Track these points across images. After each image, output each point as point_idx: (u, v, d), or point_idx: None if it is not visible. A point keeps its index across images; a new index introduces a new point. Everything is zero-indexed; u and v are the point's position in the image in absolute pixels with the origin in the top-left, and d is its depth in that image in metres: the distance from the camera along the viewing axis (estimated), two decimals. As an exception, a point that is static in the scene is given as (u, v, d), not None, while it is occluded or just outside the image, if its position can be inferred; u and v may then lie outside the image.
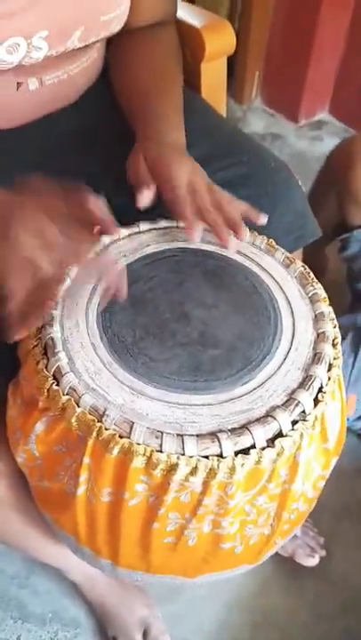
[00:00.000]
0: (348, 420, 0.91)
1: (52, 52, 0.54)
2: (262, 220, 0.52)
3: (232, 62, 1.58)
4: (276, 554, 0.81)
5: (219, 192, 0.51)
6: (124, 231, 0.53)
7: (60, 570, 0.77)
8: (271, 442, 0.41)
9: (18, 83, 0.57)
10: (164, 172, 0.51)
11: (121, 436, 0.40)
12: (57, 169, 0.61)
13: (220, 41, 0.72)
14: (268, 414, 0.42)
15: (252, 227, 0.55)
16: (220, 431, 0.40)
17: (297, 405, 0.42)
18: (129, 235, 0.53)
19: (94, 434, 0.41)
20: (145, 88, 0.62)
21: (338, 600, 0.82)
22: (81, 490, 0.45)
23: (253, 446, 0.41)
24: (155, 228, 0.54)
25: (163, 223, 0.54)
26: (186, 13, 0.73)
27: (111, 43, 0.69)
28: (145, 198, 0.51)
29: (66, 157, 0.63)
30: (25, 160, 0.62)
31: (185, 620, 0.80)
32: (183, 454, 0.40)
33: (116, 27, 0.59)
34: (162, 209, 0.55)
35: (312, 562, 0.83)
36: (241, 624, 0.80)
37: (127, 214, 0.54)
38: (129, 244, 0.52)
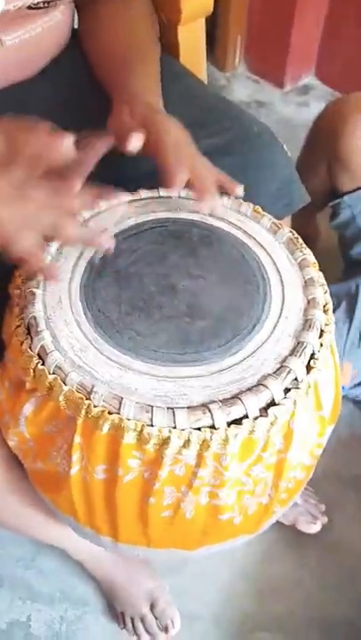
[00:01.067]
0: (343, 388, 0.91)
1: (10, 5, 0.52)
2: (238, 191, 0.50)
3: (213, 28, 1.54)
4: (278, 522, 0.81)
5: (199, 156, 0.50)
6: (104, 204, 0.51)
7: (64, 550, 0.78)
8: (264, 411, 0.41)
9: None
10: (150, 123, 0.49)
11: (110, 413, 0.39)
12: None
13: (196, 1, 0.69)
14: (260, 383, 0.41)
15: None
16: (212, 402, 0.40)
17: (289, 373, 0.41)
18: (110, 207, 0.52)
19: (83, 412, 0.40)
20: (119, 55, 0.59)
21: (342, 567, 0.83)
22: (75, 469, 0.45)
23: (246, 416, 0.40)
24: (136, 199, 0.52)
25: (144, 194, 0.53)
26: (159, -27, 0.70)
27: (81, 11, 0.67)
28: (134, 141, 0.48)
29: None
30: None
31: (190, 591, 0.81)
32: (175, 427, 0.39)
33: None
34: (142, 181, 0.53)
35: (314, 529, 0.84)
36: (246, 594, 0.82)
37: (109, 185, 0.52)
38: (110, 217, 0.51)
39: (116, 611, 0.79)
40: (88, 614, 0.81)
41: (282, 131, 0.65)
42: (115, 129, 0.51)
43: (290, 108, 1.51)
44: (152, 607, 0.78)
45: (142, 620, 0.77)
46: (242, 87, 1.56)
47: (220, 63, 1.56)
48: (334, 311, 0.87)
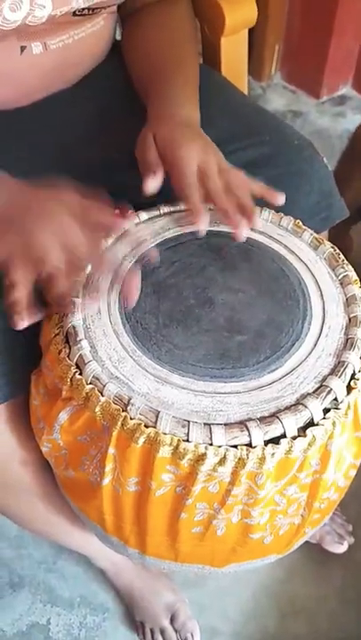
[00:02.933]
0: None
1: (57, 11, 0.53)
2: (280, 200, 0.49)
3: (250, 37, 1.53)
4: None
5: (232, 174, 0.49)
6: (144, 215, 0.51)
7: (86, 556, 0.78)
8: (302, 430, 0.40)
9: (21, 47, 0.56)
10: (173, 154, 0.49)
11: (147, 426, 0.39)
12: (72, 150, 0.60)
13: (240, 13, 0.68)
14: (299, 402, 0.40)
15: (277, 207, 0.53)
16: (250, 420, 0.39)
17: (329, 393, 0.41)
18: (149, 218, 0.52)
19: (119, 423, 0.40)
20: (158, 64, 0.60)
21: (367, 587, 0.81)
22: (107, 480, 0.44)
23: (284, 435, 0.39)
24: (175, 211, 0.52)
25: (183, 205, 0.52)
26: (204, -15, 0.70)
27: (125, 22, 0.67)
28: (150, 186, 0.49)
29: (79, 139, 0.62)
30: (37, 142, 0.60)
31: (211, 607, 0.80)
32: (211, 444, 0.38)
33: None
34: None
35: (340, 549, 0.82)
36: (268, 611, 0.80)
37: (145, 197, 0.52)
38: (149, 228, 0.51)
39: (135, 620, 0.79)
40: (107, 621, 0.80)
41: (317, 141, 0.64)
42: (138, 159, 0.52)
43: (325, 118, 1.49)
44: (172, 620, 0.77)
45: (162, 633, 0.77)
46: (277, 97, 1.55)
47: (256, 72, 1.56)
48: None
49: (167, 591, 0.78)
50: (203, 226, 0.48)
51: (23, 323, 0.41)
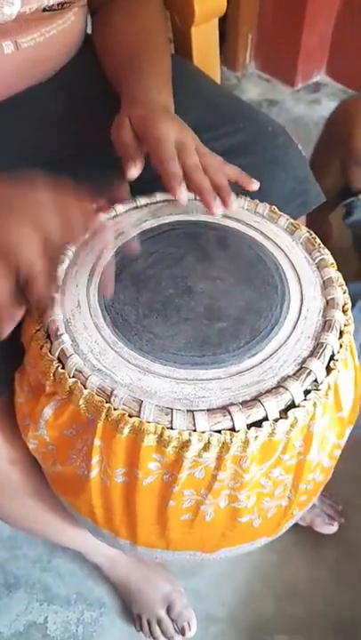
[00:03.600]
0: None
1: (26, 8, 0.52)
2: (254, 186, 0.49)
3: (223, 28, 1.53)
4: (295, 524, 0.81)
5: (208, 155, 0.49)
6: (121, 207, 0.51)
7: (80, 552, 0.78)
8: (284, 413, 0.40)
9: None
10: (151, 131, 0.48)
11: (130, 416, 0.39)
12: (47, 144, 0.59)
13: (209, 2, 0.69)
14: (280, 385, 0.41)
15: (253, 195, 0.53)
16: (232, 404, 0.40)
17: (309, 374, 0.41)
18: (126, 211, 0.52)
19: (103, 415, 0.40)
20: (129, 54, 0.59)
21: (359, 566, 0.83)
22: (94, 472, 0.44)
23: (266, 418, 0.40)
24: (153, 202, 0.52)
25: (160, 196, 0.53)
26: (172, -25, 0.70)
27: (95, 14, 0.67)
28: (131, 172, 0.48)
29: (55, 133, 0.61)
30: (13, 137, 0.60)
31: (207, 595, 0.81)
32: (195, 430, 0.39)
33: None
34: (158, 182, 0.53)
35: (331, 529, 0.83)
36: (264, 596, 0.81)
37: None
38: (127, 220, 0.51)
39: (132, 613, 0.79)
40: (104, 616, 0.81)
41: (293, 129, 0.64)
42: (115, 143, 0.51)
43: (301, 106, 1.50)
44: (168, 610, 0.78)
45: (159, 623, 0.77)
46: (252, 86, 1.56)
47: (230, 62, 1.56)
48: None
49: (163, 582, 0.79)
50: (183, 196, 0.46)
51: (6, 331, 0.41)
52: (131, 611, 0.79)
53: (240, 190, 0.51)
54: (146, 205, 0.52)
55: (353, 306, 0.89)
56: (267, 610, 0.80)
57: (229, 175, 0.49)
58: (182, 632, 0.77)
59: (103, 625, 0.80)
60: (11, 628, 0.80)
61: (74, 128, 0.61)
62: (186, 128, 0.51)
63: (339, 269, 0.49)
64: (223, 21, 0.74)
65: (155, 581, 0.78)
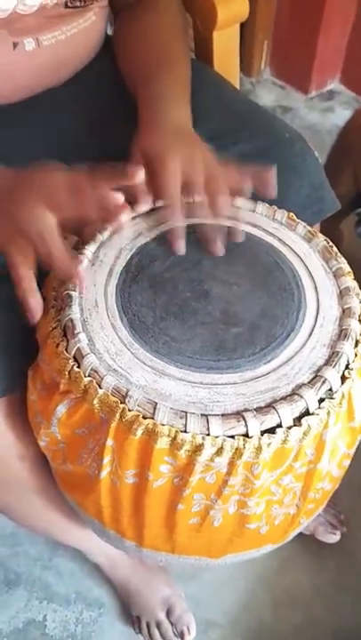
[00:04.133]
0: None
1: (48, 0, 0.53)
2: (272, 192, 0.48)
3: (240, 34, 1.54)
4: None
5: (218, 176, 0.48)
6: (141, 209, 0.51)
7: (82, 552, 0.78)
8: (298, 420, 0.40)
9: (14, 43, 0.56)
10: (159, 170, 0.48)
11: (145, 417, 0.39)
12: (63, 148, 0.60)
13: (232, 7, 0.69)
14: (295, 392, 0.41)
15: (269, 201, 0.54)
16: (246, 410, 0.40)
17: (323, 383, 0.41)
18: (145, 212, 0.52)
19: (117, 415, 0.40)
20: (147, 62, 0.60)
21: (360, 575, 0.82)
22: (104, 472, 0.44)
23: (280, 425, 0.40)
24: None
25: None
26: (195, -20, 0.70)
27: (116, 17, 0.67)
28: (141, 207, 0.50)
29: (71, 137, 0.62)
30: (28, 139, 0.60)
31: (207, 600, 0.81)
32: (208, 434, 0.39)
33: None
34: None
35: (334, 538, 0.83)
36: (264, 603, 0.81)
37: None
38: (145, 223, 0.51)
39: (131, 615, 0.79)
40: (104, 616, 0.81)
41: (306, 136, 0.64)
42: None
43: (314, 113, 1.50)
44: (168, 613, 0.78)
45: (158, 626, 0.77)
46: (267, 92, 1.56)
47: (245, 68, 1.57)
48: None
49: (163, 585, 0.79)
50: (179, 249, 0.48)
51: (37, 315, 0.42)
52: (130, 612, 0.79)
53: (259, 196, 0.51)
54: (164, 207, 0.52)
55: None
56: (266, 616, 0.80)
57: (245, 183, 0.48)
58: (181, 636, 0.77)
59: (102, 625, 0.80)
60: (10, 625, 0.80)
61: (92, 132, 0.62)
62: (195, 148, 0.50)
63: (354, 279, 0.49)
64: (240, 28, 0.75)
65: (155, 584, 0.78)
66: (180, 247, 0.48)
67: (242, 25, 0.74)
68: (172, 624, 0.77)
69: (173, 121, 0.53)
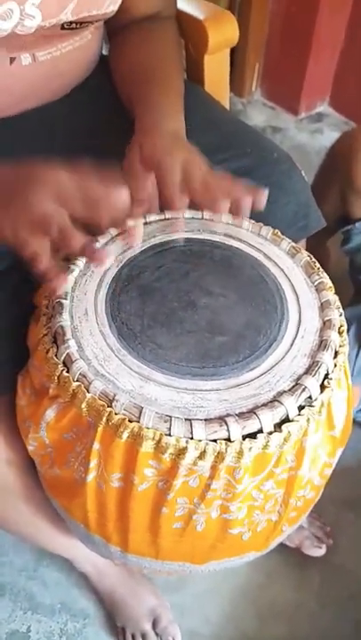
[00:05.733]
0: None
1: (45, 22, 0.55)
2: (263, 199, 0.49)
3: (232, 55, 1.58)
4: (283, 545, 0.82)
5: (215, 176, 0.50)
6: (131, 222, 0.53)
7: (68, 560, 0.78)
8: (278, 427, 0.42)
9: (11, 58, 0.58)
10: (158, 161, 0.50)
11: (130, 421, 0.41)
12: (58, 160, 0.61)
13: (222, 32, 0.72)
14: (275, 399, 0.42)
15: (256, 216, 0.56)
16: (228, 415, 0.41)
17: (303, 390, 0.43)
18: (137, 225, 0.54)
19: (104, 419, 0.41)
20: (143, 78, 0.62)
21: (345, 590, 0.83)
22: (91, 476, 0.46)
23: (261, 431, 0.41)
24: (162, 219, 0.55)
25: (169, 214, 0.55)
26: (188, 5, 0.73)
27: (112, 37, 0.70)
28: (140, 191, 0.50)
29: (67, 152, 0.63)
30: (24, 152, 0.62)
31: (191, 611, 0.81)
32: (192, 438, 0.40)
33: (109, 6, 0.60)
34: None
35: (319, 552, 0.84)
36: (247, 615, 0.81)
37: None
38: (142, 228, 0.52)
39: (116, 626, 0.79)
40: (88, 627, 0.81)
41: (295, 157, 0.67)
42: (126, 172, 0.53)
43: (304, 134, 1.55)
44: (154, 624, 0.78)
45: (143, 637, 0.77)
46: (257, 113, 1.60)
47: (237, 89, 1.61)
48: (344, 334, 0.89)
49: (149, 595, 0.79)
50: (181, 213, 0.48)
51: (62, 283, 0.43)
52: (115, 623, 0.79)
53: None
54: (156, 222, 0.54)
55: (348, 330, 0.92)
56: (250, 629, 0.80)
57: (238, 191, 0.50)
58: (166, 647, 0.77)
59: (87, 636, 0.80)
60: (-7, 636, 0.80)
61: (84, 147, 0.64)
62: (194, 154, 0.53)
63: (335, 293, 0.51)
64: (232, 50, 0.78)
65: (141, 594, 0.78)
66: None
67: (234, 47, 0.77)
68: (157, 635, 0.77)
69: (170, 131, 0.55)
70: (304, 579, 0.84)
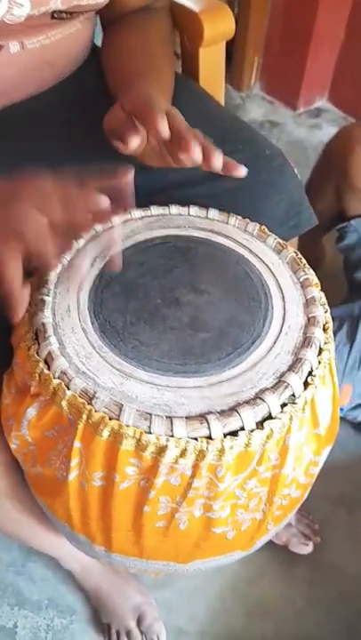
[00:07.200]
0: (342, 409, 0.92)
1: (35, 11, 0.54)
2: (241, 171, 0.48)
3: (231, 49, 1.57)
4: (270, 542, 0.81)
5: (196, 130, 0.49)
6: (117, 219, 0.53)
7: (55, 558, 0.78)
8: (260, 424, 0.42)
9: None
10: (142, 107, 0.48)
11: (110, 418, 0.40)
12: (48, 153, 0.61)
13: (218, 25, 0.71)
14: (257, 396, 0.42)
15: (247, 214, 0.55)
16: (209, 413, 0.41)
17: (286, 388, 0.42)
18: (121, 222, 0.53)
19: (84, 417, 0.41)
20: (132, 67, 0.61)
21: (332, 588, 0.83)
22: (73, 475, 0.45)
23: (242, 428, 0.41)
24: (147, 216, 0.54)
25: (155, 210, 0.54)
26: (185, -2, 0.72)
27: (105, 28, 0.69)
28: (133, 141, 0.48)
29: (57, 142, 0.63)
30: (15, 143, 0.61)
31: (178, 608, 0.81)
32: (172, 436, 0.40)
33: None
34: (154, 196, 0.54)
35: (306, 550, 0.83)
36: (235, 612, 0.81)
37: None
38: (121, 232, 0.52)
39: (102, 623, 0.79)
40: (75, 623, 0.80)
41: (293, 152, 0.67)
42: (108, 129, 0.52)
43: (302, 129, 1.54)
44: (139, 621, 0.78)
45: (128, 634, 0.77)
46: (256, 107, 1.59)
47: (236, 83, 1.60)
48: (336, 333, 0.89)
49: (135, 593, 0.78)
50: (164, 130, 0.46)
51: (19, 314, 0.42)
52: (101, 620, 0.79)
53: (232, 208, 0.53)
54: (141, 218, 0.54)
55: (340, 328, 0.91)
56: (237, 626, 0.80)
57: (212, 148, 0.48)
58: (151, 644, 0.76)
59: (73, 633, 0.80)
60: (-21, 632, 0.80)
61: (74, 139, 0.63)
62: (175, 109, 0.50)
63: (329, 292, 0.50)
64: (231, 44, 0.76)
65: (126, 592, 0.78)
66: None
67: (233, 42, 0.76)
68: (142, 632, 0.77)
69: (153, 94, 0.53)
70: (292, 575, 0.84)
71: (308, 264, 0.52)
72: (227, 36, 0.74)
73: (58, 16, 0.58)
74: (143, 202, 0.54)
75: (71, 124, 0.65)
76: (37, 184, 0.43)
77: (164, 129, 0.46)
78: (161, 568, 0.56)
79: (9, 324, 0.50)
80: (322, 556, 0.85)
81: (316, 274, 0.51)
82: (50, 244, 0.41)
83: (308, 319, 0.47)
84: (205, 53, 0.74)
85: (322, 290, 0.50)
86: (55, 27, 0.60)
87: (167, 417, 0.40)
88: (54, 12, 0.56)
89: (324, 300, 0.49)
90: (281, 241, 0.53)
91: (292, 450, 0.45)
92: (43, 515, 0.61)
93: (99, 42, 0.72)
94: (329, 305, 0.50)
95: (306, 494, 0.57)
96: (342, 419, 0.85)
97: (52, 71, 0.64)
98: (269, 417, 0.42)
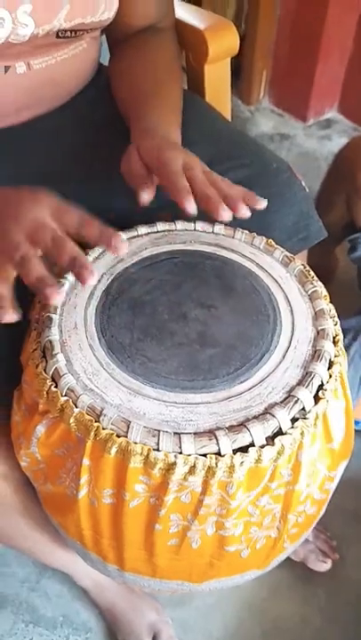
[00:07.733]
0: (358, 423, 0.90)
1: (39, 30, 0.55)
2: (262, 203, 0.48)
3: (239, 63, 1.59)
4: (288, 559, 0.79)
5: (215, 174, 0.49)
6: (123, 235, 0.53)
7: (69, 575, 0.77)
8: (271, 440, 0.41)
9: (5, 66, 0.58)
10: (159, 157, 0.49)
11: (118, 436, 0.40)
12: (56, 172, 0.62)
13: (223, 42, 0.72)
14: (267, 412, 0.41)
15: (256, 227, 0.55)
16: (218, 429, 0.40)
17: (296, 402, 0.42)
18: (128, 239, 0.54)
19: (92, 434, 0.41)
20: (140, 90, 0.62)
21: (351, 605, 0.81)
22: (82, 492, 0.45)
23: (252, 444, 0.40)
24: (153, 232, 0.54)
25: (161, 226, 0.54)
26: (189, 15, 0.73)
27: (113, 49, 0.70)
28: (144, 197, 0.49)
29: (65, 161, 0.64)
30: (23, 161, 0.62)
31: (194, 626, 0.80)
32: (181, 452, 0.39)
33: (104, 13, 0.60)
34: (160, 212, 0.55)
35: (324, 567, 0.82)
36: (251, 631, 0.79)
37: (127, 217, 0.54)
38: (127, 248, 0.52)
39: (118, 640, 0.78)
40: (90, 641, 0.80)
41: (304, 164, 0.66)
42: (125, 173, 0.52)
43: (312, 141, 1.53)
44: (154, 639, 0.76)
45: (144, 653, 0.76)
46: (266, 120, 1.60)
47: (244, 96, 1.61)
48: (351, 344, 0.88)
49: (150, 610, 0.77)
50: (192, 205, 0.45)
51: (8, 316, 0.40)
52: (116, 637, 0.78)
53: (240, 223, 0.52)
54: (147, 234, 0.54)
55: (355, 339, 0.90)
56: (255, 645, 0.78)
57: (236, 193, 0.48)
58: (167, 664, 0.75)
59: (88, 651, 0.79)
60: (-5, 650, 0.79)
61: (82, 158, 0.64)
62: (193, 155, 0.51)
63: (342, 303, 0.49)
64: (239, 57, 0.77)
65: (142, 609, 0.77)
66: (191, 206, 0.45)
67: (242, 55, 0.76)
68: (158, 651, 0.76)
69: (166, 134, 0.54)
70: (310, 593, 0.82)
71: (322, 276, 0.52)
72: (231, 52, 0.75)
73: (63, 35, 0.59)
74: (149, 218, 0.55)
75: (79, 143, 0.66)
76: (36, 206, 0.42)
77: (191, 207, 0.46)
78: (175, 588, 0.56)
79: (19, 342, 0.50)
80: (340, 571, 0.83)
81: (330, 285, 0.51)
82: (38, 270, 0.39)
83: (318, 332, 0.46)
84: (211, 70, 0.75)
85: (336, 301, 0.50)
86: (61, 47, 0.61)
87: (175, 433, 0.40)
88: (59, 31, 0.57)
89: (333, 312, 0.48)
90: (288, 254, 0.52)
91: (305, 465, 0.44)
92: (56, 532, 0.61)
93: (105, 60, 0.73)
94: (343, 316, 0.49)
95: (322, 510, 0.55)
96: (358, 432, 0.84)
97: (58, 91, 0.66)
98: (280, 432, 0.41)
